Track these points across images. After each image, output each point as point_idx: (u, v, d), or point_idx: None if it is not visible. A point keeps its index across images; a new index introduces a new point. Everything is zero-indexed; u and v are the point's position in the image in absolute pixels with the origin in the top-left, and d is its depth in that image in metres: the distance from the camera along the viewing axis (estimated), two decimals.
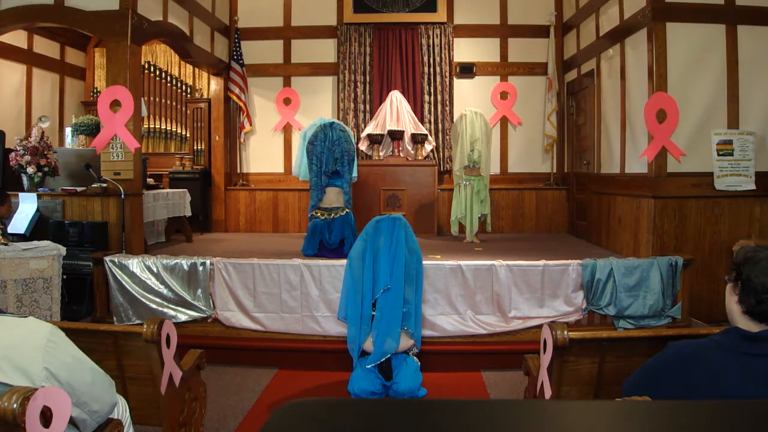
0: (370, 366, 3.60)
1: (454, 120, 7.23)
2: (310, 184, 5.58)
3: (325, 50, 8.06)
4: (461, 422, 0.83)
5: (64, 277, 4.34)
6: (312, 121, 6.05)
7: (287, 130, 8.10)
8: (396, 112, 7.32)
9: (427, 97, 7.90)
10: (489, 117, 7.27)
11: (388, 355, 3.59)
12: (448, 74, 7.87)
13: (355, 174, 5.82)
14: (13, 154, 5.33)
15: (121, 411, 2.03)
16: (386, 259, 3.64)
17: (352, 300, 3.69)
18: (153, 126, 8.60)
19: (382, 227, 3.74)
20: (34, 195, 5.23)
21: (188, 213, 7.05)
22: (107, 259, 4.36)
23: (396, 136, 7.27)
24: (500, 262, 4.30)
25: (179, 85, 8.64)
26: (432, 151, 7.67)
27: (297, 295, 4.28)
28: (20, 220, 5.02)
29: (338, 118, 7.90)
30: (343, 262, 3.95)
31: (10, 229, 4.87)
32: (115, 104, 5.17)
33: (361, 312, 3.64)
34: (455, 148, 6.59)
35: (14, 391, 1.41)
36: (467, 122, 6.43)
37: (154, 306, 4.30)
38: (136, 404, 2.41)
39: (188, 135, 8.39)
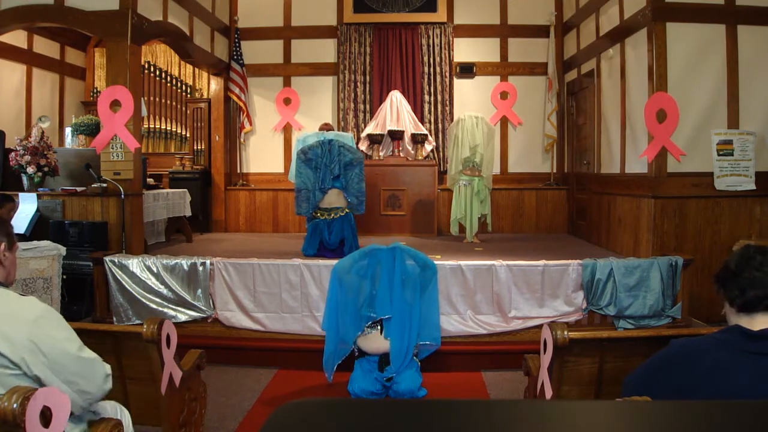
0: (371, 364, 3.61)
1: (453, 122, 7.20)
2: (299, 194, 5.39)
3: (325, 50, 8.06)
4: (461, 422, 0.83)
5: (64, 277, 4.34)
6: (311, 126, 5.91)
7: (287, 130, 8.10)
8: (396, 112, 7.32)
9: (427, 97, 7.89)
10: (489, 117, 7.26)
11: (389, 353, 3.59)
12: (448, 74, 7.87)
13: (361, 186, 5.45)
14: (13, 154, 5.34)
15: (120, 415, 2.02)
16: (386, 293, 3.57)
17: (333, 321, 3.64)
18: (153, 126, 8.60)
19: (380, 258, 3.63)
20: (34, 195, 5.23)
21: (188, 213, 7.05)
22: (107, 259, 4.36)
23: (396, 136, 7.28)
24: (500, 262, 4.30)
25: (179, 85, 8.64)
26: (432, 151, 7.67)
27: (297, 295, 4.28)
28: (20, 220, 5.01)
29: (338, 118, 7.92)
30: None
31: None
32: (115, 104, 5.17)
33: (336, 338, 3.62)
34: (451, 151, 6.56)
35: (14, 391, 1.41)
36: (467, 128, 6.35)
37: (154, 306, 4.30)
38: (136, 404, 2.41)
39: (188, 135, 8.38)
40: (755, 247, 1.69)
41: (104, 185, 5.20)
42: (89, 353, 1.74)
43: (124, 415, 2.06)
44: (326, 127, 6.16)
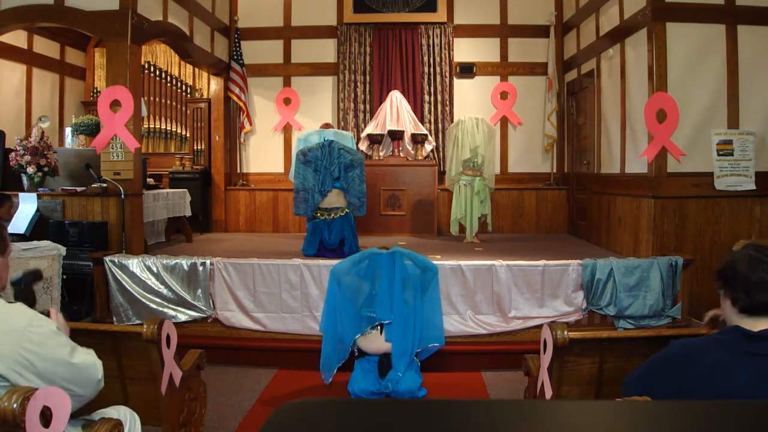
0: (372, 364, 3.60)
1: (453, 123, 7.18)
2: (298, 195, 5.34)
3: (325, 50, 8.06)
4: (461, 422, 0.83)
5: (64, 277, 4.34)
6: (311, 126, 5.82)
7: (287, 130, 8.10)
8: (396, 112, 7.32)
9: (427, 97, 7.89)
10: (489, 117, 7.25)
11: (388, 353, 3.59)
12: (448, 74, 7.87)
13: (362, 188, 5.38)
14: (13, 154, 5.34)
15: (128, 420, 2.01)
16: (386, 296, 3.56)
17: (332, 322, 3.63)
18: (153, 126, 8.59)
19: (380, 262, 3.61)
20: (34, 195, 5.22)
21: (188, 213, 7.05)
22: (107, 259, 4.36)
23: (396, 136, 7.28)
24: (500, 262, 4.30)
25: (179, 85, 8.64)
26: (432, 151, 7.67)
27: (297, 295, 4.28)
28: (20, 220, 5.01)
29: (338, 118, 7.91)
30: None
31: (10, 229, 4.87)
32: (115, 104, 5.17)
33: (335, 338, 3.61)
34: (450, 152, 6.55)
35: (14, 391, 1.41)
36: (467, 129, 6.33)
37: (154, 306, 4.30)
38: (136, 404, 2.40)
39: (188, 135, 8.38)
40: (765, 248, 1.67)
41: (104, 185, 5.20)
42: (81, 358, 1.70)
43: (135, 420, 2.05)
44: (326, 127, 6.16)
